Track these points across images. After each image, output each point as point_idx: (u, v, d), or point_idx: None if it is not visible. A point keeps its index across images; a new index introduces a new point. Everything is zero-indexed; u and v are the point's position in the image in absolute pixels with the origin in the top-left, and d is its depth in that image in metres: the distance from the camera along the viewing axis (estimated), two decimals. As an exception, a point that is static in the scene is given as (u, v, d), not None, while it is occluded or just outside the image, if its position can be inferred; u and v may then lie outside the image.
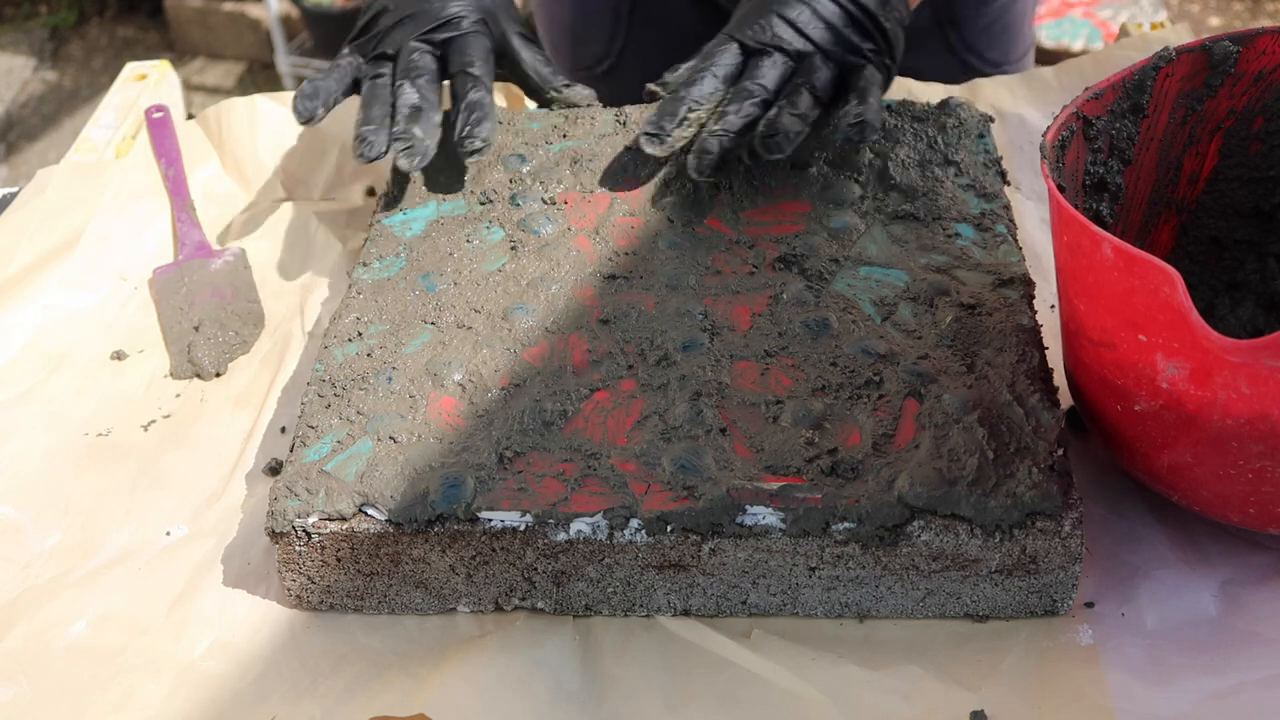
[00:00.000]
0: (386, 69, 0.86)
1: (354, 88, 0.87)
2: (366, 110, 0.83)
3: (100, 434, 0.77)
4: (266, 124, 0.98)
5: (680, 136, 0.79)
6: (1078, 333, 0.63)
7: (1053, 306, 0.76)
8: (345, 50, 0.89)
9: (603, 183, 0.82)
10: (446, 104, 0.86)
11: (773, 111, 0.78)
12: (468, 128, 0.81)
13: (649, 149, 0.79)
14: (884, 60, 0.81)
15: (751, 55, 0.80)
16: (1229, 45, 0.69)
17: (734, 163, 0.81)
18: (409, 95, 0.83)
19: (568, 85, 0.89)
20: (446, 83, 0.87)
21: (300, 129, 0.97)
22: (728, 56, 0.81)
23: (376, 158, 0.80)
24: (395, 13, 0.88)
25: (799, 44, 0.79)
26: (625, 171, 0.82)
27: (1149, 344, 0.57)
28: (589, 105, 0.89)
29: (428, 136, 0.81)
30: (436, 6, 0.87)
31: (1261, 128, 0.72)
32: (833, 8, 0.80)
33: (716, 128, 0.77)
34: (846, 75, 0.80)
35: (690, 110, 0.79)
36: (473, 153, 0.81)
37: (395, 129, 0.81)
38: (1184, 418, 0.58)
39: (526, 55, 0.90)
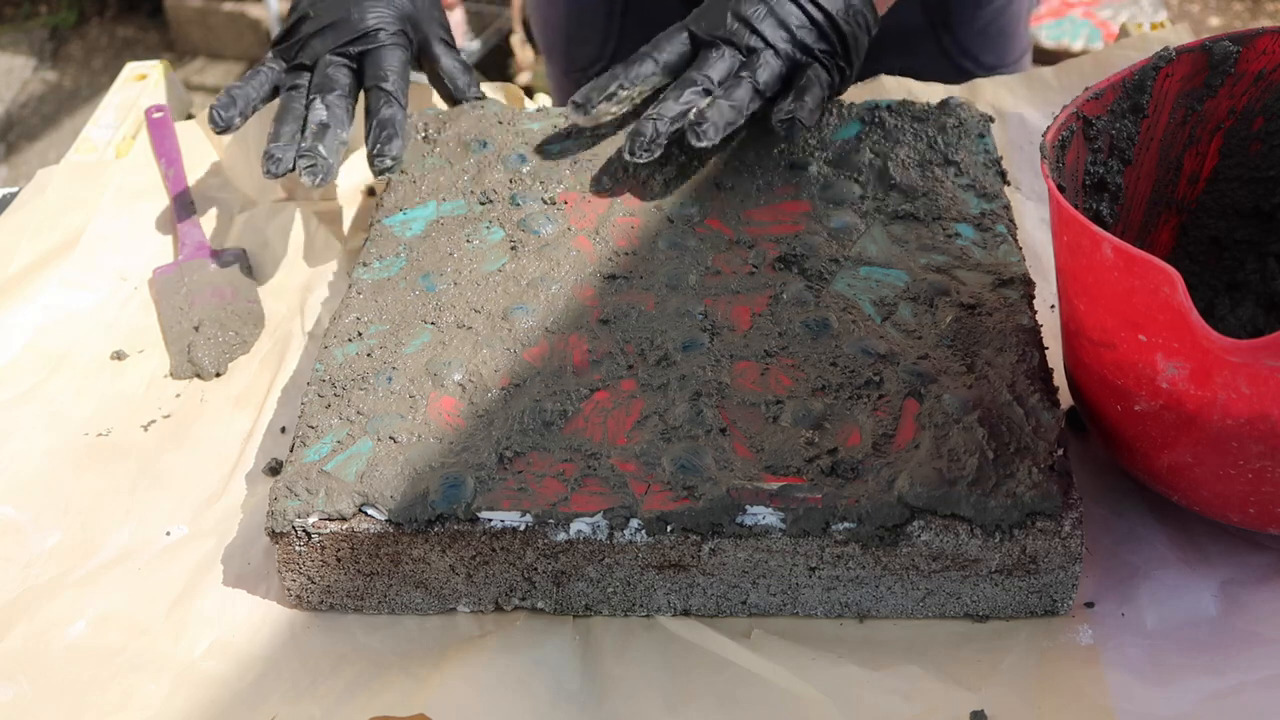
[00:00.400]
0: (304, 80, 0.88)
1: (274, 94, 0.89)
2: (277, 126, 0.85)
3: (100, 434, 0.77)
4: (266, 124, 0.98)
5: (605, 110, 0.81)
6: (1078, 333, 0.63)
7: (1053, 306, 0.76)
8: (269, 54, 0.90)
9: (603, 183, 0.82)
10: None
11: (706, 100, 0.79)
12: (378, 145, 0.84)
13: (573, 116, 0.82)
14: (838, 63, 0.82)
15: (702, 47, 0.82)
16: (1229, 45, 0.69)
17: (733, 161, 0.81)
18: (318, 112, 0.85)
19: (480, 97, 0.91)
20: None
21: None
22: (675, 45, 0.83)
23: (283, 174, 0.83)
24: (316, 20, 0.89)
25: (750, 40, 0.80)
26: (625, 171, 0.82)
27: (1149, 344, 0.57)
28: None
29: (331, 155, 0.83)
30: (355, 17, 0.88)
31: (1262, 128, 0.72)
32: (792, 9, 0.81)
33: (652, 112, 0.79)
34: (795, 73, 0.81)
35: (621, 87, 0.81)
36: (382, 171, 0.83)
37: (302, 145, 0.83)
38: (1184, 418, 0.58)
39: (446, 62, 0.92)
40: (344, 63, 0.88)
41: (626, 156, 0.78)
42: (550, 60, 1.24)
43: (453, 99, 0.92)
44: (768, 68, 0.80)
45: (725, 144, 0.83)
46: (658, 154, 0.78)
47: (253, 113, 0.87)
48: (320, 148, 0.82)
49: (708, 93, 0.79)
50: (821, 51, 0.81)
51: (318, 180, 0.82)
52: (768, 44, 0.80)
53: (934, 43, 1.10)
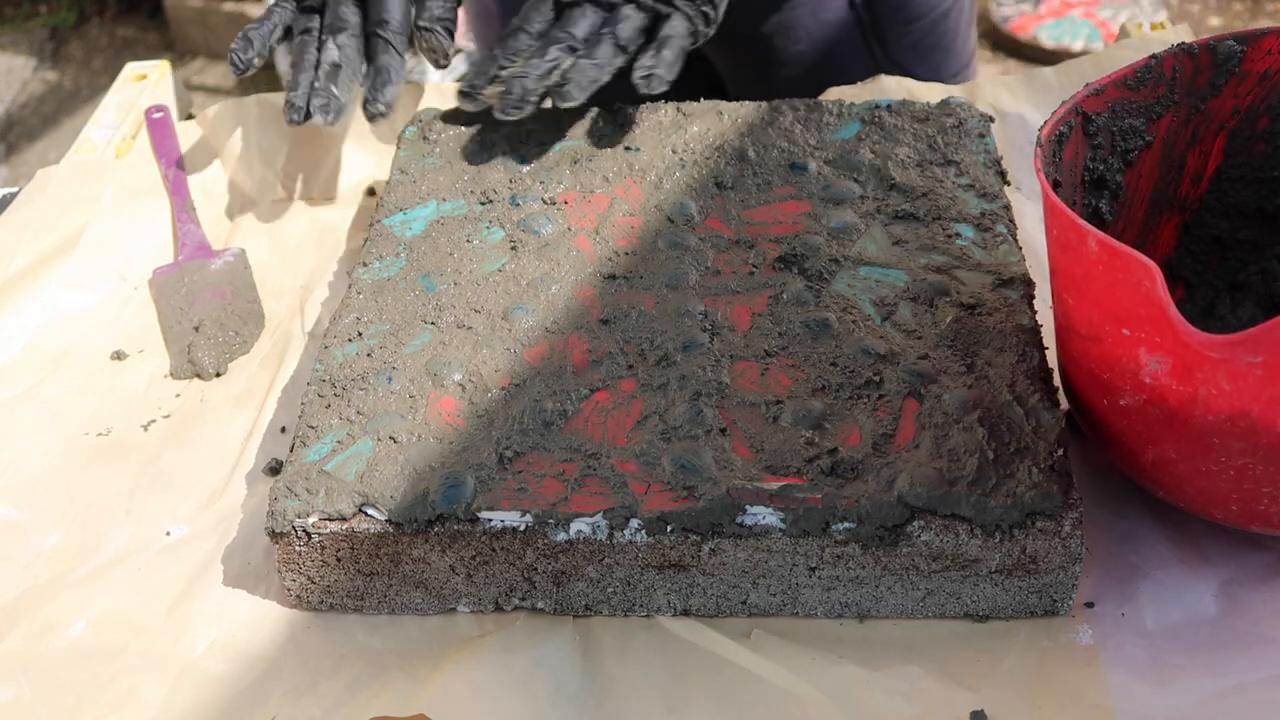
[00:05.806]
0: (315, 23, 0.89)
1: (287, 34, 0.90)
2: (295, 74, 0.86)
3: (100, 434, 0.77)
4: (266, 124, 0.98)
5: (491, 92, 0.82)
6: (1067, 327, 0.63)
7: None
8: None
9: (602, 183, 0.82)
10: None
11: (568, 60, 0.80)
12: (374, 92, 0.85)
13: (462, 105, 0.83)
14: (700, 9, 0.83)
15: (564, 9, 0.83)
16: (1234, 44, 0.69)
17: (733, 161, 0.81)
18: (330, 53, 0.86)
19: (445, 62, 0.89)
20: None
21: (296, 129, 0.97)
22: (542, 12, 0.84)
23: (304, 122, 0.84)
24: None
25: None
26: (625, 171, 0.82)
27: (1132, 338, 0.57)
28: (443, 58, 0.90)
29: (343, 94, 0.85)
30: None
31: (1266, 128, 0.72)
32: None
33: (518, 70, 0.80)
34: (657, 25, 0.83)
35: (501, 67, 0.82)
36: (374, 117, 0.84)
37: (315, 85, 0.84)
38: (1167, 413, 0.58)
39: (434, 7, 0.88)
40: (352, 2, 0.88)
41: (499, 116, 0.80)
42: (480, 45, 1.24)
43: (429, 48, 0.90)
44: (628, 22, 0.81)
45: (725, 144, 0.84)
46: (528, 111, 0.80)
47: (269, 54, 0.88)
48: (333, 87, 0.84)
49: (573, 49, 0.81)
50: (684, 1, 0.82)
51: (330, 119, 0.83)
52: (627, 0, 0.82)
53: (867, 57, 1.09)
